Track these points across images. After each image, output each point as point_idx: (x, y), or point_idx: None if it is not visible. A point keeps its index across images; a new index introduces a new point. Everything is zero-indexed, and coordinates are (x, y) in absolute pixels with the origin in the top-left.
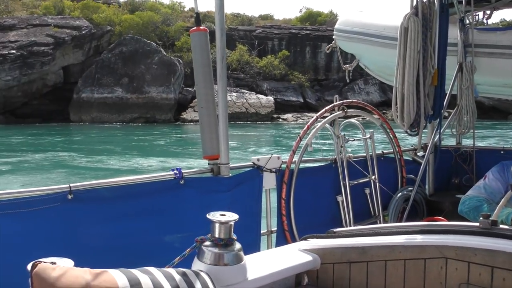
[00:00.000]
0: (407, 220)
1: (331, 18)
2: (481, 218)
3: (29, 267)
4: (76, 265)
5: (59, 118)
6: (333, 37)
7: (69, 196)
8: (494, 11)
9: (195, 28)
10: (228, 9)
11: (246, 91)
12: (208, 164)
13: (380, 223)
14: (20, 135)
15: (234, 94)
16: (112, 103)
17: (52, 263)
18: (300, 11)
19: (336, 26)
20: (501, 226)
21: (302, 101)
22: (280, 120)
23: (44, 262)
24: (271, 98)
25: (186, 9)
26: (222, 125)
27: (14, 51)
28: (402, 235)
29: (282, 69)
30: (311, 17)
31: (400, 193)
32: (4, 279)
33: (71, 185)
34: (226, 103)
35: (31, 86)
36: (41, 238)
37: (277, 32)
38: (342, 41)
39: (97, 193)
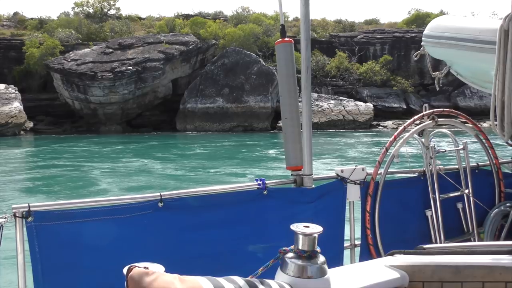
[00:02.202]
0: (506, 239)
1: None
2: None
3: (125, 270)
4: (165, 270)
5: (167, 128)
6: (422, 43)
7: (160, 204)
8: None
9: (280, 40)
10: (332, 16)
11: (345, 98)
12: (292, 175)
13: (474, 240)
14: (134, 143)
15: (332, 101)
16: (214, 112)
17: (145, 268)
18: (409, 13)
19: (425, 31)
20: None
21: (405, 107)
22: (380, 127)
23: (138, 267)
24: (370, 105)
25: (290, 19)
26: (306, 136)
27: (130, 67)
28: (504, 254)
29: (383, 74)
30: (418, 19)
31: (498, 209)
32: (100, 280)
33: (162, 193)
34: (310, 114)
35: (144, 98)
36: (134, 243)
37: (379, 36)
38: (431, 47)
39: (185, 202)
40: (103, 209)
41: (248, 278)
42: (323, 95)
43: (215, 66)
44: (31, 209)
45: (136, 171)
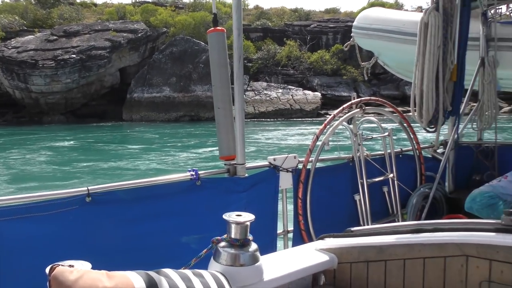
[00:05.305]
0: (426, 218)
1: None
2: (503, 215)
3: (47, 270)
4: (94, 267)
5: (115, 118)
6: (351, 34)
7: (87, 199)
8: None
9: (212, 28)
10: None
11: (294, 87)
12: (225, 164)
13: (398, 221)
14: (73, 134)
15: (280, 90)
16: (160, 102)
17: (70, 266)
18: (368, 2)
19: (355, 23)
20: None
21: (355, 96)
22: (327, 116)
23: (62, 265)
24: (318, 94)
25: (250, 7)
26: (238, 125)
27: (74, 56)
28: (421, 233)
29: (334, 63)
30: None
31: (419, 191)
32: (24, 282)
33: (89, 187)
34: (243, 103)
35: (90, 87)
36: (60, 241)
37: (332, 25)
38: (360, 38)
39: (114, 196)
40: (23, 207)
41: (181, 270)
42: (272, 84)
43: (163, 54)
44: None
45: (67, 164)
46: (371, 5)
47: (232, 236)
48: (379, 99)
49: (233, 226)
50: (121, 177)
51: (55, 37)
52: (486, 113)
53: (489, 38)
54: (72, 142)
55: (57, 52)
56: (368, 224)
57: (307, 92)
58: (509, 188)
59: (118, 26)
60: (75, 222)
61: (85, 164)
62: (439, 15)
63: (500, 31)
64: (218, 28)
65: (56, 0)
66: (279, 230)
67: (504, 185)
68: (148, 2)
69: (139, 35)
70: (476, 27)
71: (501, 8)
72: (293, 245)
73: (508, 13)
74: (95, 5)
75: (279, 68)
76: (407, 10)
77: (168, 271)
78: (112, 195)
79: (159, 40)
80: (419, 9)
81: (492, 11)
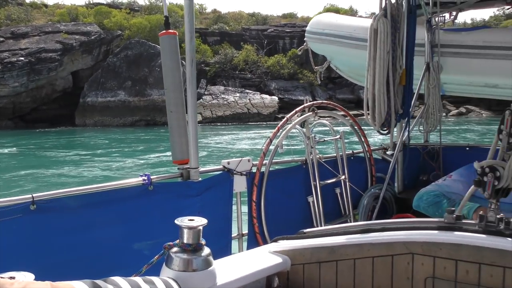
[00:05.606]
0: (377, 218)
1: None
2: (446, 213)
3: None
4: (39, 278)
5: (67, 123)
6: (305, 39)
7: (32, 207)
8: (459, 12)
9: (164, 31)
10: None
11: (251, 91)
12: (178, 169)
13: (350, 222)
14: (21, 140)
15: (238, 94)
16: (115, 106)
17: (11, 277)
18: (325, 8)
19: (308, 28)
20: (464, 220)
21: (311, 100)
22: (290, 120)
23: (2, 277)
24: (275, 98)
25: (208, 11)
26: (191, 129)
27: (22, 58)
28: (370, 233)
29: (291, 68)
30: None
31: (370, 192)
32: None
33: (34, 195)
34: (196, 107)
35: (40, 91)
36: (2, 252)
37: (289, 30)
38: (313, 43)
39: (61, 203)
40: None
41: (131, 277)
42: (230, 88)
43: (118, 58)
44: None
45: (6, 172)
46: (327, 10)
47: (185, 241)
48: (331, 102)
49: (185, 231)
50: (66, 185)
51: (1, 39)
52: (432, 116)
53: (434, 44)
54: (14, 149)
55: (4, 54)
56: (321, 225)
57: (264, 96)
58: (454, 186)
59: (70, 28)
60: (18, 232)
61: (25, 172)
62: (387, 22)
63: (444, 37)
64: (170, 31)
65: (3, 0)
66: (234, 233)
67: (449, 183)
68: (103, 4)
69: (93, 37)
70: (422, 34)
71: (444, 16)
72: (248, 248)
73: (451, 21)
74: (46, 6)
75: (237, 72)
76: (361, 16)
77: (117, 279)
78: (59, 202)
79: (113, 43)
80: (372, 15)
81: (436, 19)
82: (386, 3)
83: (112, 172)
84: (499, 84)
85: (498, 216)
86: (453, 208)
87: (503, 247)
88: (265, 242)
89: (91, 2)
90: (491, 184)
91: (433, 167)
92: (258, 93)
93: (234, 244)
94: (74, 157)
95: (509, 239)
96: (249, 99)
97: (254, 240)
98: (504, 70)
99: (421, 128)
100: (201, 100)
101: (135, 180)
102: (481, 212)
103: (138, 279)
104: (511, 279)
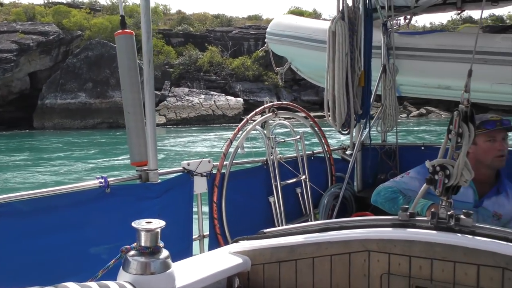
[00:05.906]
0: (337, 217)
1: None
2: (400, 211)
3: None
4: None
5: (24, 126)
6: (265, 40)
7: None
8: (413, 16)
9: (120, 31)
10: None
11: (216, 93)
12: (136, 170)
13: (311, 221)
14: None
15: (203, 96)
16: (75, 108)
17: None
18: (289, 10)
19: (268, 29)
20: (417, 217)
21: (276, 101)
22: (250, 121)
23: None
24: (240, 99)
25: (172, 12)
26: (150, 130)
27: None
28: (328, 231)
29: (256, 69)
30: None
31: (330, 191)
32: None
33: None
34: (154, 108)
35: None
36: None
37: (254, 32)
38: (274, 44)
39: (12, 208)
40: None
41: (85, 283)
42: (194, 90)
43: (78, 59)
44: None
45: None
46: (291, 12)
47: (142, 244)
48: (291, 103)
49: (142, 233)
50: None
51: None
52: (389, 116)
53: (389, 47)
54: None
55: None
56: (282, 225)
57: (229, 97)
58: (410, 183)
59: (26, 28)
60: None
61: None
62: (345, 24)
63: (399, 40)
64: (127, 30)
65: None
66: (195, 235)
67: (406, 180)
68: (62, 3)
69: (51, 38)
70: (379, 37)
71: (399, 19)
72: (209, 249)
73: (406, 24)
74: (1, 4)
75: (201, 73)
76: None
77: (70, 284)
78: (8, 207)
79: (73, 43)
80: None
81: (391, 22)
82: (343, 6)
83: (64, 177)
84: (452, 86)
85: (449, 213)
86: (407, 206)
87: (453, 242)
88: (226, 243)
89: (50, 1)
90: (442, 182)
91: (390, 166)
92: (223, 95)
93: (196, 246)
94: (26, 161)
95: (459, 234)
96: (214, 101)
97: (216, 241)
98: (456, 72)
99: (379, 128)
100: (165, 102)
101: (91, 183)
102: (433, 209)
103: (93, 284)
104: (461, 273)
